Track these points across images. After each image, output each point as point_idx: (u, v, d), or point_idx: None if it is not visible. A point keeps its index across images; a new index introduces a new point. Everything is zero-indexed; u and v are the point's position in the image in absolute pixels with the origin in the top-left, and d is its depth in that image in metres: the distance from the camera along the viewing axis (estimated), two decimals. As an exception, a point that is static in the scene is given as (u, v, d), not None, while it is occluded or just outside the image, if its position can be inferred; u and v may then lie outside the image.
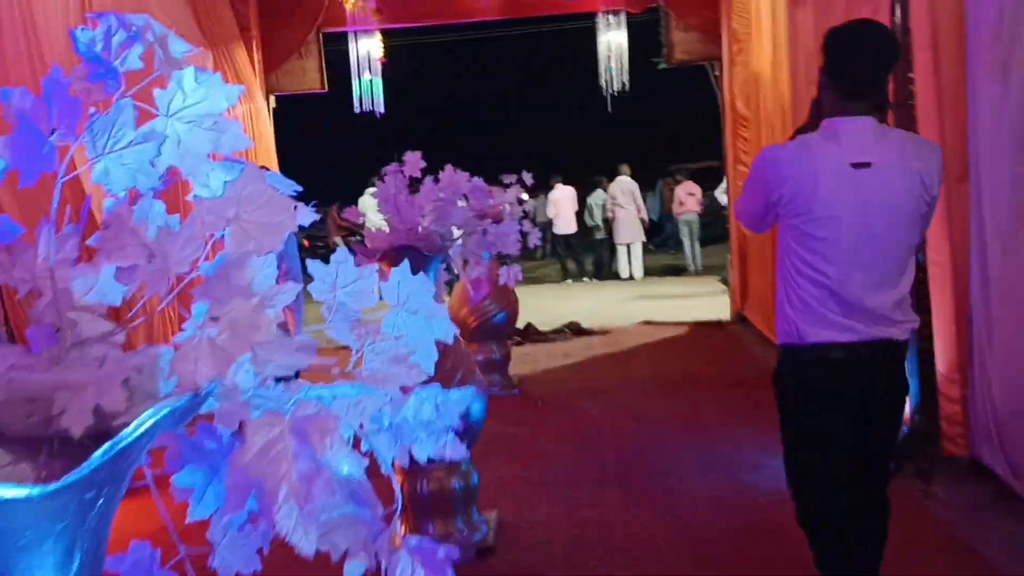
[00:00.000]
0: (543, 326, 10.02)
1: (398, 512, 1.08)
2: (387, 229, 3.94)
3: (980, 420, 4.33)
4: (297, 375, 1.21)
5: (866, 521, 2.79)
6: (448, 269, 4.49)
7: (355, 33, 10.08)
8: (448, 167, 3.98)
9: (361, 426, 1.10)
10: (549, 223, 16.08)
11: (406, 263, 1.29)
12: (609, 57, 10.64)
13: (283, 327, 1.08)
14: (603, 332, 9.97)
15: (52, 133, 1.05)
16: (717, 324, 10.04)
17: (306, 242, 15.32)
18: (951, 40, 4.38)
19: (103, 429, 0.98)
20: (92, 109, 1.06)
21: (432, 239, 3.82)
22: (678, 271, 15.96)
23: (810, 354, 2.65)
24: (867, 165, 2.53)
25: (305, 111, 13.10)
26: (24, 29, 5.25)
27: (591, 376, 7.81)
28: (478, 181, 4.22)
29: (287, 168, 6.09)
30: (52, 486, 0.86)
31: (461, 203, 4.07)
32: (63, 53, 4.89)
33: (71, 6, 5.81)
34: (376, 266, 1.26)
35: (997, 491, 4.16)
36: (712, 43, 9.81)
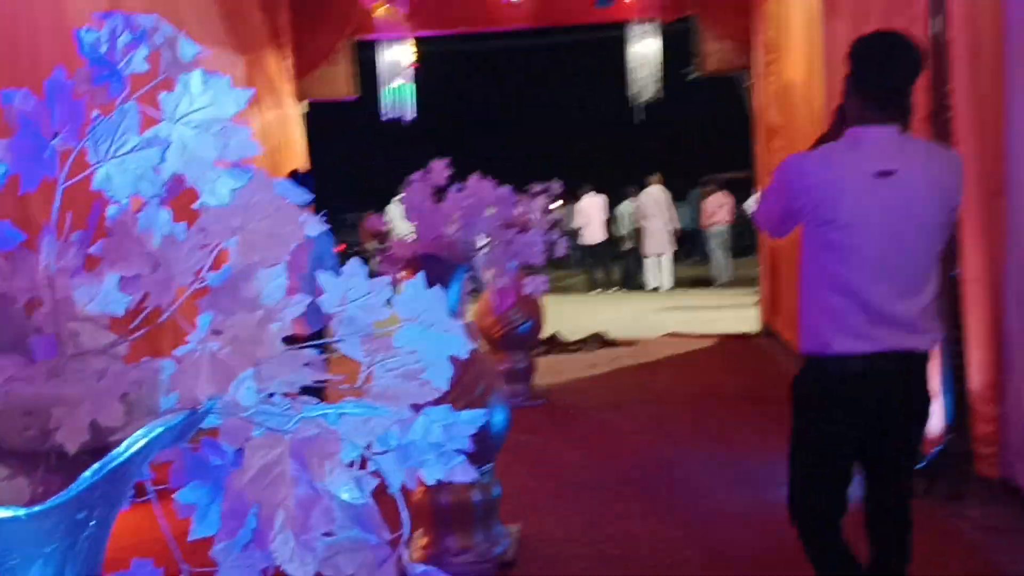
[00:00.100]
0: (569, 336, 9.95)
1: (405, 537, 1.03)
2: (413, 237, 3.91)
3: (1014, 440, 4.22)
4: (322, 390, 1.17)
5: (888, 536, 2.77)
6: (473, 278, 4.45)
7: (385, 41, 10.08)
8: (474, 175, 3.94)
9: (369, 446, 1.05)
10: (577, 232, 16.02)
11: (421, 275, 1.24)
12: (640, 66, 10.57)
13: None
14: (629, 343, 9.89)
15: (54, 137, 1.02)
16: (745, 337, 9.93)
17: (343, 245, 15.33)
18: (989, 51, 4.28)
19: (100, 445, 0.94)
20: (95, 112, 1.03)
21: (457, 248, 3.78)
22: (707, 282, 15.83)
23: (831, 363, 2.65)
24: (891, 173, 2.54)
25: (338, 117, 13.14)
26: (57, 33, 5.28)
27: (616, 388, 7.74)
28: (505, 190, 4.18)
29: (319, 174, 6.08)
30: (38, 507, 0.83)
31: (489, 211, 4.03)
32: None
33: (103, 9, 5.84)
34: (388, 278, 1.22)
35: (1031, 513, 4.06)
36: (744, 53, 9.72)
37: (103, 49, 1.04)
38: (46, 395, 0.97)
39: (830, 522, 2.76)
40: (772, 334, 9.37)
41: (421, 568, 0.97)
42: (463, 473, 1.03)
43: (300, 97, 9.98)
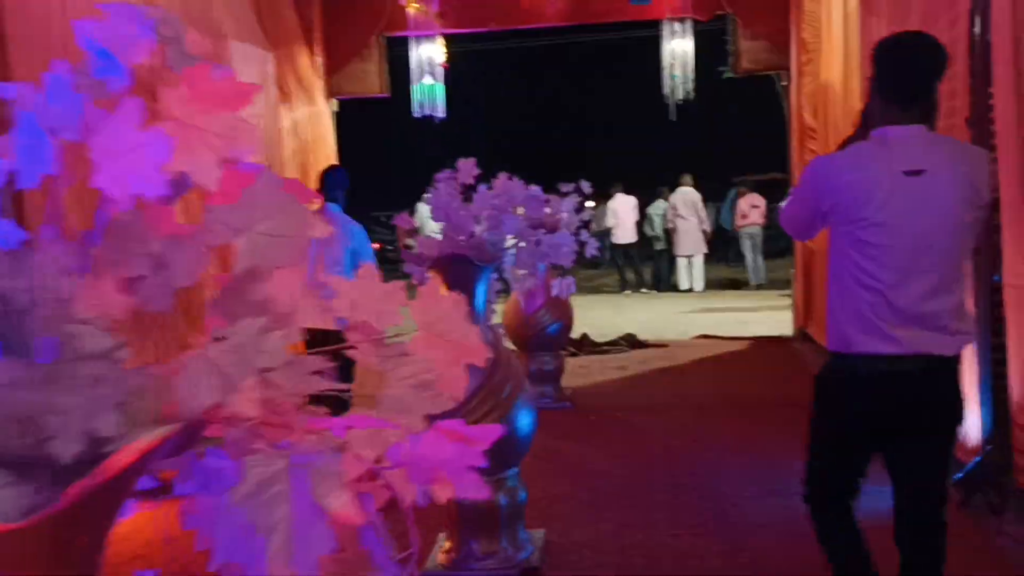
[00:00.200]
0: (599, 337, 9.87)
1: (414, 557, 0.98)
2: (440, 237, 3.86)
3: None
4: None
5: (918, 541, 2.79)
6: (501, 279, 4.39)
7: (416, 37, 10.04)
8: (502, 175, 3.88)
9: (378, 460, 1.00)
10: (608, 232, 15.93)
11: (432, 284, 1.19)
12: (673, 65, 10.45)
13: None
14: (660, 345, 9.79)
15: (53, 132, 0.98)
16: (778, 340, 9.80)
17: (378, 244, 15.36)
18: (1034, 53, 4.16)
19: (96, 456, 0.90)
20: (96, 107, 0.98)
21: (484, 248, 3.72)
22: (739, 284, 15.68)
23: (855, 362, 2.68)
24: (920, 172, 2.56)
25: (369, 115, 13.14)
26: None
27: (646, 391, 7.65)
28: (534, 189, 4.12)
29: (350, 172, 6.05)
30: (13, 525, 0.78)
31: (518, 211, 3.97)
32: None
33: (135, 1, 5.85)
34: (402, 283, 1.17)
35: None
36: (780, 52, 9.58)
37: (105, 41, 1.00)
38: (41, 401, 0.93)
39: (840, 502, 2.86)
40: (806, 338, 9.23)
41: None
42: (476, 490, 0.97)
43: (331, 94, 9.98)
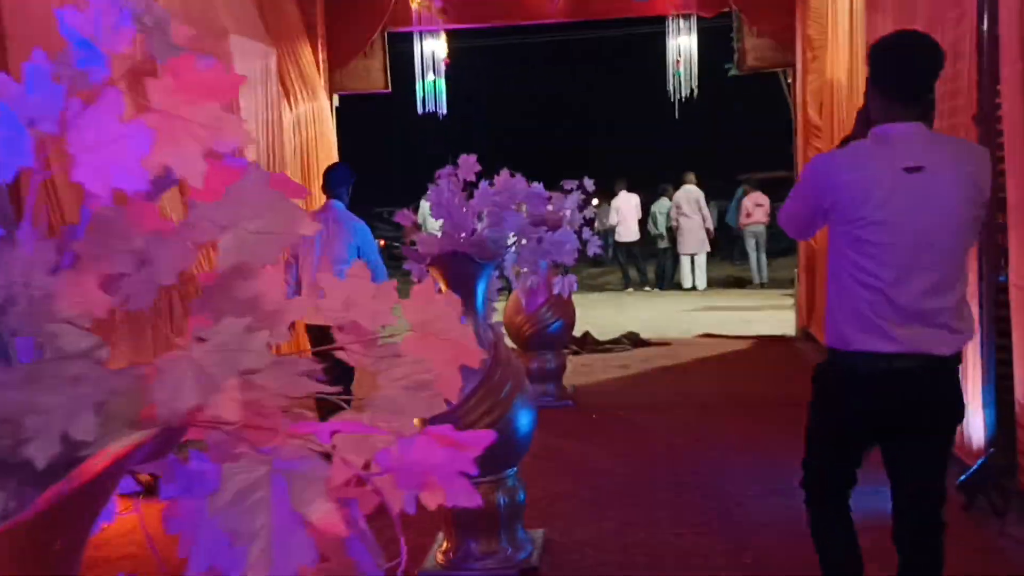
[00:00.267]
0: (601, 335, 9.83)
1: (402, 567, 0.94)
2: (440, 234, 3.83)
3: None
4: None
5: (916, 541, 2.80)
6: (501, 276, 4.36)
7: (420, 33, 10.00)
8: (503, 171, 3.85)
9: (366, 465, 0.97)
10: (611, 230, 15.89)
11: (429, 281, 1.16)
12: (678, 62, 10.40)
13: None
14: (663, 344, 9.76)
15: (31, 124, 0.94)
16: (781, 339, 9.76)
17: (382, 241, 15.33)
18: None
19: (73, 458, 0.87)
20: (76, 98, 0.95)
21: (484, 245, 3.69)
22: (742, 283, 15.63)
23: (852, 359, 2.69)
24: (920, 169, 2.56)
25: (369, 111, 13.10)
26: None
27: (648, 389, 7.61)
28: (536, 186, 4.08)
29: (352, 168, 6.03)
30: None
31: (519, 207, 3.93)
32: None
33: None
34: (394, 282, 1.13)
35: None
36: (785, 49, 9.53)
37: (87, 30, 0.96)
38: (18, 402, 0.90)
39: (837, 495, 2.90)
40: (809, 337, 9.18)
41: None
42: (467, 498, 0.94)
43: (333, 90, 9.94)
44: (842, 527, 2.92)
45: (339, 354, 1.15)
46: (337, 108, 10.10)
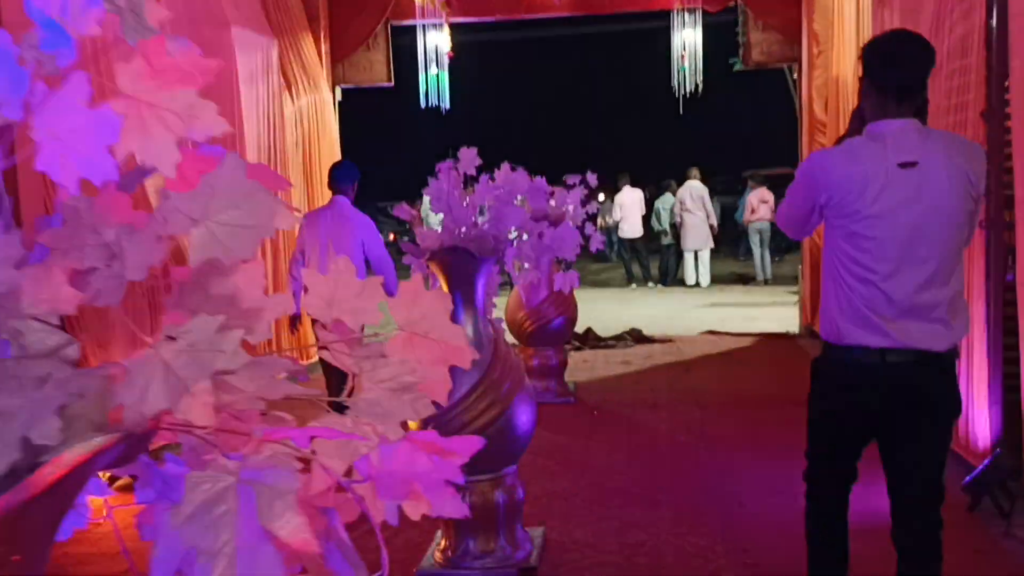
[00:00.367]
0: (604, 332, 9.78)
1: (385, 578, 0.89)
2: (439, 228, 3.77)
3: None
4: None
5: (913, 541, 2.80)
6: (502, 272, 4.31)
7: (423, 26, 9.92)
8: (505, 165, 3.79)
9: (348, 473, 0.92)
10: (615, 226, 15.82)
11: (418, 277, 1.11)
12: (682, 57, 10.32)
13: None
14: (665, 340, 9.70)
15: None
16: (785, 337, 9.70)
17: (392, 235, 15.28)
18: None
19: (32, 465, 0.82)
20: (41, 82, 0.90)
21: (485, 240, 3.63)
22: (746, 280, 15.56)
23: (844, 352, 2.74)
24: (913, 164, 2.60)
25: (371, 104, 13.03)
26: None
27: (650, 386, 7.55)
28: (539, 181, 4.03)
29: (354, 161, 6.00)
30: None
31: (520, 202, 3.88)
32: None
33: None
34: (380, 278, 1.08)
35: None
36: (791, 44, 9.45)
37: (53, 11, 0.91)
38: (-19, 404, 0.85)
39: (837, 490, 2.94)
40: (813, 335, 9.11)
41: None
42: (453, 508, 0.89)
43: (335, 83, 9.88)
44: (836, 523, 2.97)
45: (322, 353, 1.10)
46: (339, 101, 10.04)
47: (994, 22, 4.37)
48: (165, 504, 0.97)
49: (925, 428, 2.75)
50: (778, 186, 15.79)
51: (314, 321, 1.08)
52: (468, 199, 3.74)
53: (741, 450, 5.48)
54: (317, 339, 1.08)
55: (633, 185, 15.71)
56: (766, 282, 14.98)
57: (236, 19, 7.17)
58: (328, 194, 5.66)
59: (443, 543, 3.80)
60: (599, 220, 16.24)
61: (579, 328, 8.25)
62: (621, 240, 16.06)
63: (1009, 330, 4.45)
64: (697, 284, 15.01)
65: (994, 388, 4.44)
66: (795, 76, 9.75)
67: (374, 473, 0.88)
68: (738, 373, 8.07)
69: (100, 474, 0.99)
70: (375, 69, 10.00)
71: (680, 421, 6.28)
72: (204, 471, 0.77)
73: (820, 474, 3.00)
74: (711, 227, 14.97)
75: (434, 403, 1.05)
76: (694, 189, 14.90)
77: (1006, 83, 4.32)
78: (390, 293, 1.09)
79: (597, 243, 4.56)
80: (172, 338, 0.88)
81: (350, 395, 1.03)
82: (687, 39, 10.24)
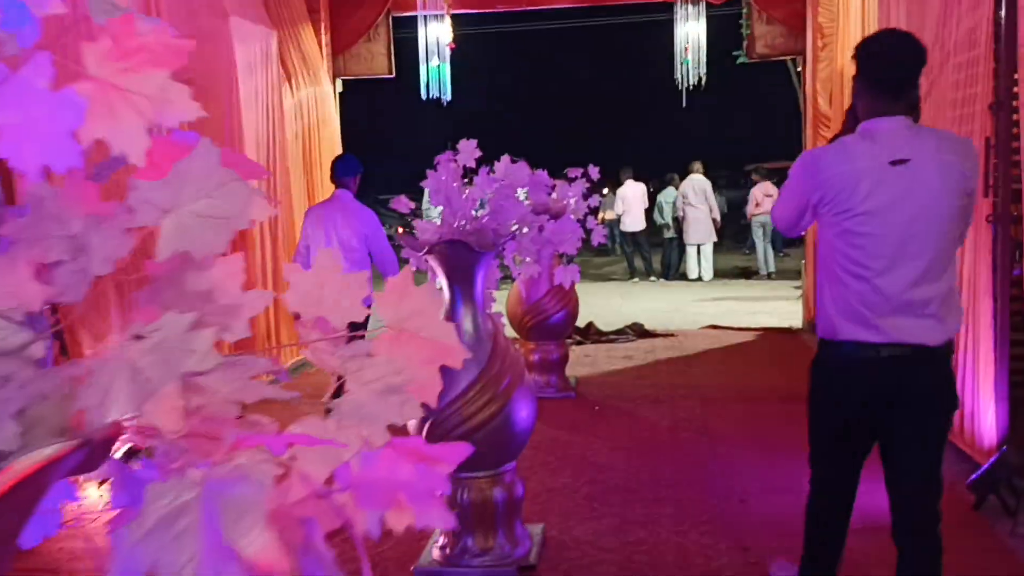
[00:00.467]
0: (605, 326, 9.72)
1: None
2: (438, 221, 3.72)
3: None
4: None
5: (917, 531, 2.82)
6: (502, 266, 4.25)
7: (424, 17, 9.85)
8: (505, 158, 3.74)
9: (330, 479, 0.86)
10: (617, 219, 15.74)
11: (407, 270, 1.05)
12: (686, 49, 10.24)
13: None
14: (668, 335, 9.64)
15: (-49, 92, 0.83)
16: (788, 332, 9.64)
17: (400, 229, 15.22)
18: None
19: (-8, 472, 0.76)
20: (1, 64, 0.84)
21: (484, 234, 3.58)
22: (749, 274, 15.49)
23: (840, 349, 2.78)
24: (905, 161, 2.64)
25: (371, 95, 12.97)
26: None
27: (652, 381, 7.50)
28: (540, 174, 3.97)
29: (354, 154, 5.96)
30: None
31: (520, 195, 3.83)
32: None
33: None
34: (367, 273, 1.03)
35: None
36: (796, 37, 9.38)
37: (14, -14, 0.85)
38: (-65, 407, 0.79)
39: (839, 488, 2.97)
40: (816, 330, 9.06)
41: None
42: (440, 519, 0.84)
43: (336, 75, 9.81)
44: (837, 524, 3.01)
45: (304, 353, 1.05)
46: (340, 93, 9.97)
47: (1003, 14, 4.30)
48: (134, 513, 0.92)
49: (921, 422, 2.77)
50: (782, 180, 15.74)
51: (296, 317, 1.02)
52: (467, 192, 3.69)
53: (743, 446, 5.43)
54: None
55: (636, 179, 15.63)
56: (769, 276, 14.91)
57: (235, 9, 7.11)
58: (330, 187, 5.62)
59: (441, 540, 3.75)
60: (601, 214, 16.16)
61: (580, 322, 8.20)
62: (623, 234, 15.99)
63: (1016, 325, 4.40)
64: (700, 278, 14.94)
65: (1000, 384, 4.38)
66: (799, 69, 9.67)
67: (355, 481, 0.82)
68: (740, 368, 8.01)
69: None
70: (376, 60, 9.93)
71: (682, 417, 6.23)
72: (168, 480, 0.71)
73: (820, 474, 3.02)
74: (714, 221, 14.90)
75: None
76: (697, 183, 14.83)
77: (1015, 75, 4.26)
78: None
79: (599, 237, 4.51)
80: (140, 336, 0.83)
81: (335, 396, 0.98)
82: (691, 32, 10.17)
